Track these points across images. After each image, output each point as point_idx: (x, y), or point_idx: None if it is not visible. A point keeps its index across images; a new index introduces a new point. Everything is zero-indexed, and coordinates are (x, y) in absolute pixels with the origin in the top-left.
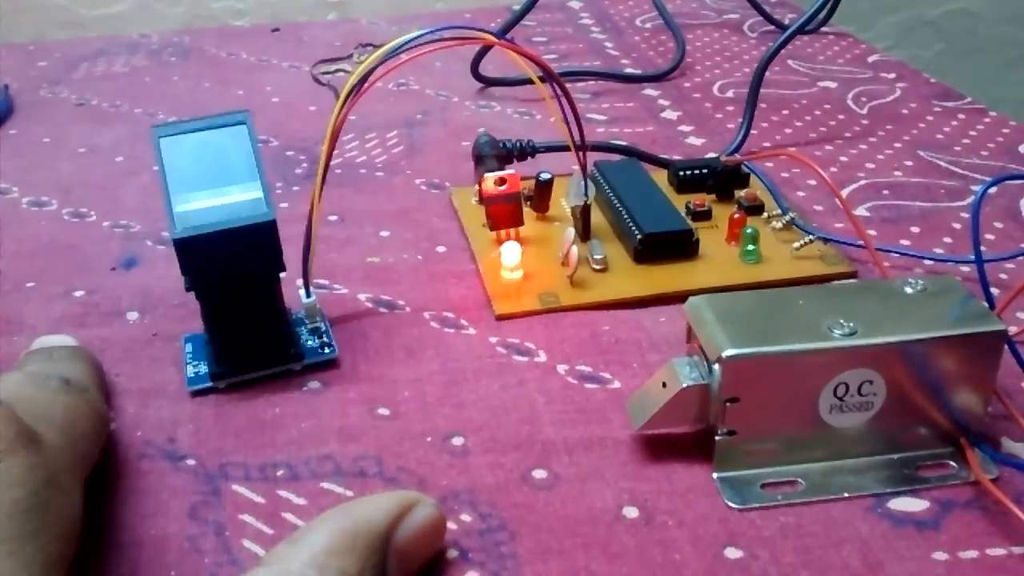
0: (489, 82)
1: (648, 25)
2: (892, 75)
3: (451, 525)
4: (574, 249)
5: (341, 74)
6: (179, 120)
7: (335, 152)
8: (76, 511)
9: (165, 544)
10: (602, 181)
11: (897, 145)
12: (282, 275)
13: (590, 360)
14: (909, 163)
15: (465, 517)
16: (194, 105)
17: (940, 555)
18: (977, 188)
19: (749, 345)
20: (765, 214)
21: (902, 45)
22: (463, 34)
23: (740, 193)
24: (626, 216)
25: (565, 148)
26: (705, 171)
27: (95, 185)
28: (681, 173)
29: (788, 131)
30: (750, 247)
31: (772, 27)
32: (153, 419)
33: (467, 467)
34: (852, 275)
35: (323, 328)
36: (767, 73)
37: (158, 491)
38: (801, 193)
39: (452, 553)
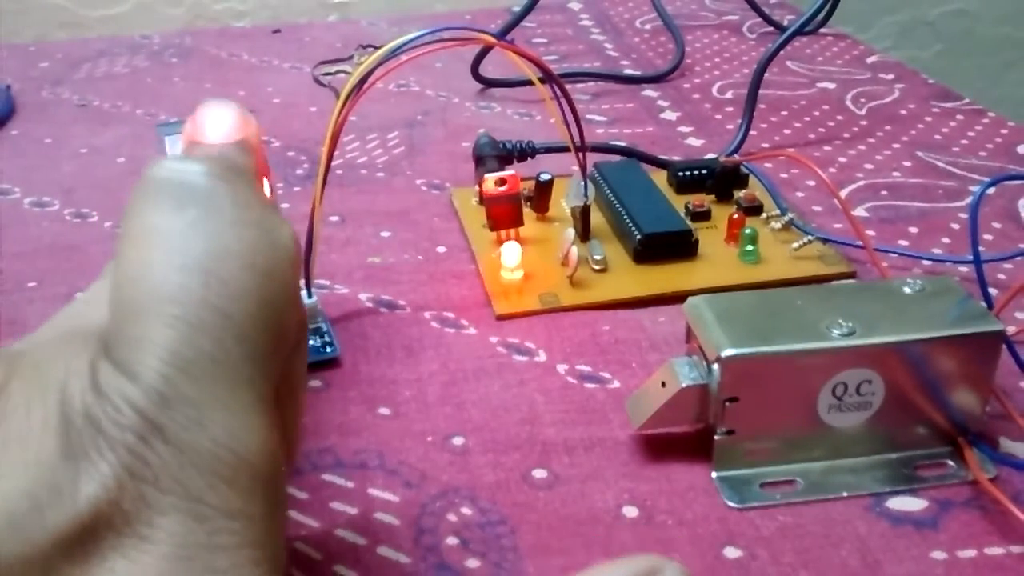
0: (489, 83)
1: (648, 26)
2: (891, 76)
3: (451, 517)
4: (574, 249)
5: (342, 75)
6: (183, 120)
7: (336, 153)
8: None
9: None
10: (602, 182)
11: (896, 146)
12: None
13: (590, 360)
14: (908, 164)
15: (466, 511)
16: (195, 106)
17: (938, 554)
18: (975, 188)
19: (748, 345)
20: (764, 214)
21: (900, 46)
22: (463, 35)
23: (739, 194)
24: (626, 216)
25: (565, 149)
26: (704, 172)
27: (97, 186)
28: (680, 174)
29: (787, 132)
30: (749, 247)
31: (771, 28)
32: None
33: (467, 466)
34: (851, 275)
35: (324, 328)
36: (766, 74)
37: None
38: (800, 194)
39: (452, 540)
